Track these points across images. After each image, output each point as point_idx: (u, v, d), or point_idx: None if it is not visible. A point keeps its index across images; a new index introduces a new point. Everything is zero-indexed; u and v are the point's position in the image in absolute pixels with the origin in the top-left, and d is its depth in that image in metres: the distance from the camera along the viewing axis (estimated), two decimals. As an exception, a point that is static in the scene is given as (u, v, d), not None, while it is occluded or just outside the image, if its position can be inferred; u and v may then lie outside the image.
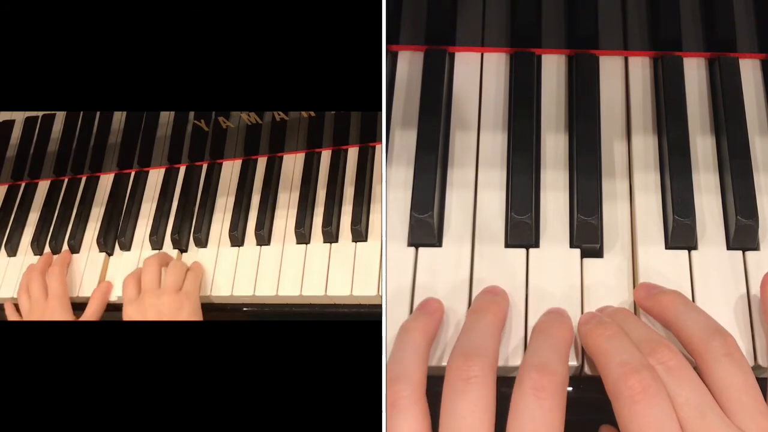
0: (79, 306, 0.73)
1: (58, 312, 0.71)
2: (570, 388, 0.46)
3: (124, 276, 0.72)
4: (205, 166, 0.76)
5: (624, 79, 0.57)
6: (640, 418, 0.37)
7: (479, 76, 0.57)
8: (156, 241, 0.73)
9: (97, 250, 0.76)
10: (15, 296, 0.76)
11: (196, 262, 0.69)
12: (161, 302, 0.65)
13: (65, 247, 0.77)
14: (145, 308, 0.66)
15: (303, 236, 0.66)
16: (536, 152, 0.53)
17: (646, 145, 0.53)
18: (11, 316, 0.75)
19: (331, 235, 0.65)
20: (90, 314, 0.71)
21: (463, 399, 0.39)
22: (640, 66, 0.57)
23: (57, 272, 0.73)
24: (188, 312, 0.65)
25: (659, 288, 0.46)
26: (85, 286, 0.74)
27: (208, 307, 0.68)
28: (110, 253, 0.75)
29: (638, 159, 0.53)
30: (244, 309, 0.67)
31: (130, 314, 0.67)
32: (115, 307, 0.72)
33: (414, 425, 0.39)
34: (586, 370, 0.45)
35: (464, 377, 0.39)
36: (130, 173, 0.80)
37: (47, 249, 0.78)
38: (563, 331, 0.43)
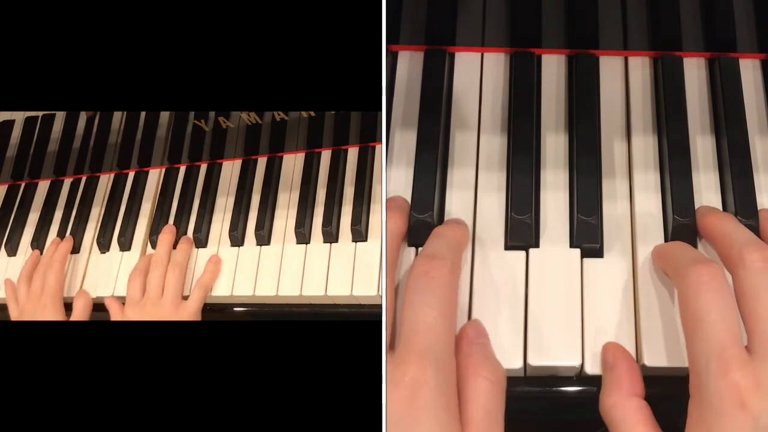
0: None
1: (50, 310, 0.72)
2: (570, 388, 0.46)
3: (124, 276, 0.72)
4: (205, 166, 0.76)
5: (624, 79, 0.57)
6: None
7: (479, 76, 0.57)
8: (156, 242, 0.73)
9: (98, 250, 0.76)
10: (15, 296, 0.76)
11: (206, 276, 0.68)
12: (163, 316, 0.66)
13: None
14: (145, 315, 0.66)
15: (303, 236, 0.66)
16: (536, 152, 0.53)
17: (646, 145, 0.53)
18: (10, 301, 0.75)
19: (331, 235, 0.65)
20: (77, 315, 0.71)
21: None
22: (640, 66, 0.57)
23: (56, 268, 0.74)
24: None
25: (712, 208, 0.50)
26: (86, 287, 0.74)
27: (208, 307, 0.68)
28: (109, 253, 0.75)
29: (638, 159, 0.53)
30: (244, 309, 0.67)
31: (129, 316, 0.67)
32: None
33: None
34: (587, 369, 0.45)
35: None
36: (129, 173, 0.80)
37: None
38: (457, 232, 0.47)
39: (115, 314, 0.69)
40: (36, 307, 0.72)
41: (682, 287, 0.42)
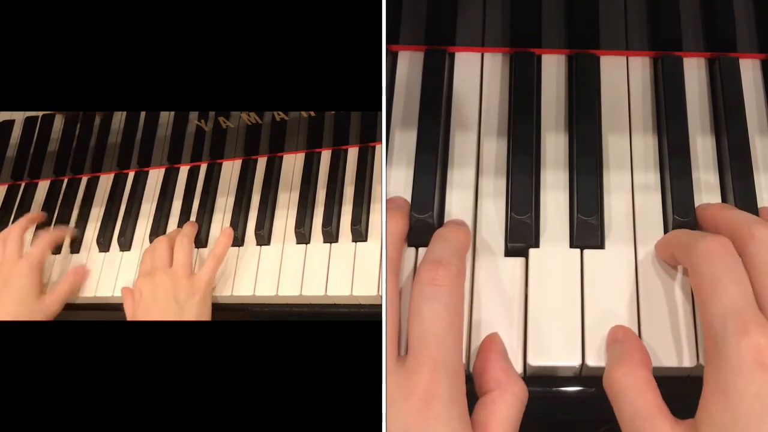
0: (79, 307, 0.73)
1: (24, 278, 0.70)
2: (570, 388, 0.46)
3: (123, 276, 0.72)
4: (205, 166, 0.76)
5: (624, 79, 0.57)
6: None
7: (479, 76, 0.57)
8: (156, 241, 0.73)
9: (97, 250, 0.76)
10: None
11: (219, 248, 0.67)
12: (176, 284, 0.64)
13: (65, 246, 0.77)
14: (156, 284, 0.64)
15: (303, 236, 0.66)
16: (536, 152, 0.53)
17: (646, 145, 0.53)
18: None
19: (331, 235, 0.65)
20: (60, 292, 0.71)
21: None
22: (640, 66, 0.57)
23: (45, 240, 0.73)
24: (200, 300, 0.64)
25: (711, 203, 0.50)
26: (85, 286, 0.74)
27: (208, 307, 0.68)
28: (109, 253, 0.75)
29: (638, 159, 0.53)
30: (245, 309, 0.67)
31: (140, 286, 0.66)
32: (113, 307, 0.72)
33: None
34: (587, 368, 0.45)
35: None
36: (129, 173, 0.80)
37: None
38: (459, 234, 0.47)
39: (127, 298, 0.68)
40: (12, 270, 0.70)
41: (693, 259, 0.42)
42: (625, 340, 0.44)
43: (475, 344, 0.45)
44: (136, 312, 0.65)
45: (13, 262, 0.71)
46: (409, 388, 0.39)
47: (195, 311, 0.63)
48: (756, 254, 0.41)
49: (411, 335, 0.41)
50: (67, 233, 0.77)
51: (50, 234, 0.75)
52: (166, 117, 0.79)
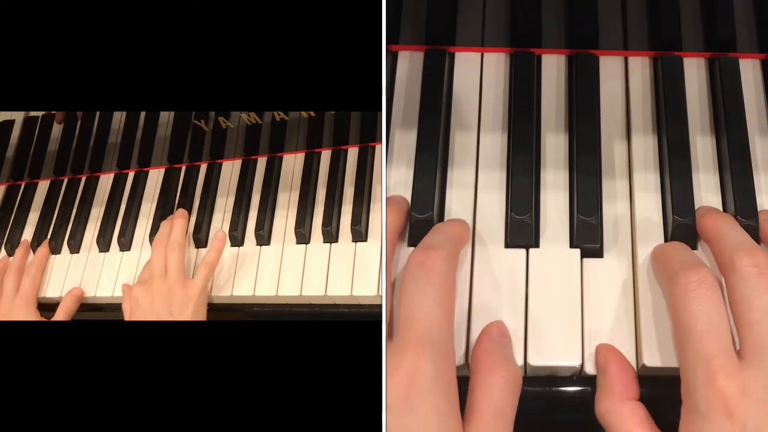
0: (79, 307, 0.73)
1: (23, 312, 0.73)
2: (570, 388, 0.46)
3: (123, 276, 0.72)
4: (205, 166, 0.76)
5: (624, 79, 0.57)
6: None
7: (479, 76, 0.57)
8: (156, 241, 0.73)
9: (97, 250, 0.76)
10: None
11: (211, 254, 0.67)
12: (170, 294, 0.65)
13: (65, 246, 0.77)
14: (152, 294, 0.66)
15: (303, 236, 0.66)
16: (536, 152, 0.53)
17: (646, 145, 0.53)
18: None
19: (331, 235, 0.65)
20: (57, 318, 0.72)
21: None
22: (640, 66, 0.57)
23: (33, 273, 0.75)
24: (193, 309, 0.65)
25: (712, 208, 0.49)
26: (85, 287, 0.74)
27: (208, 307, 0.68)
28: (109, 253, 0.75)
29: (638, 159, 0.53)
30: (245, 309, 0.67)
31: (136, 295, 0.67)
32: (113, 307, 0.72)
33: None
34: (587, 369, 0.45)
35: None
36: (129, 173, 0.80)
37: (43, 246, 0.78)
38: (456, 227, 0.47)
39: (126, 297, 0.69)
40: (10, 309, 0.73)
41: (673, 293, 0.42)
42: (606, 368, 0.44)
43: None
44: (132, 319, 0.67)
45: (10, 301, 0.74)
46: (394, 363, 0.38)
47: (189, 319, 0.64)
48: (735, 287, 0.41)
49: (399, 315, 0.41)
50: (46, 249, 0.78)
51: (36, 263, 0.76)
52: (166, 117, 0.79)
